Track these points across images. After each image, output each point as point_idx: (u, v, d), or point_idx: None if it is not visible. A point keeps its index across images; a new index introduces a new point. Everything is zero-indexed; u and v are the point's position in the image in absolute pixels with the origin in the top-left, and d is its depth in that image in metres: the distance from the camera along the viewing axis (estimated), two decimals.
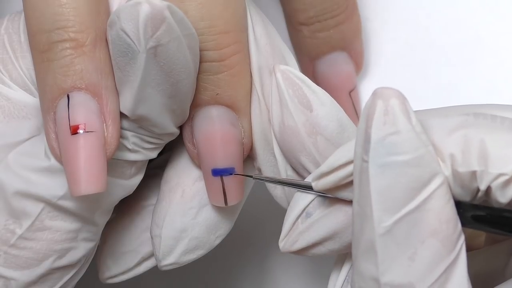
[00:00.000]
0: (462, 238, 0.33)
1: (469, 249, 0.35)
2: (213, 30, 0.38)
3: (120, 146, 0.38)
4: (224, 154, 0.39)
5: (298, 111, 0.39)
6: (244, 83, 0.39)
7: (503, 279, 0.36)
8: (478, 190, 0.33)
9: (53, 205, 0.38)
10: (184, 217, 0.40)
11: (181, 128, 0.40)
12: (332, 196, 0.36)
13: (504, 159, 0.32)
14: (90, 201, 0.38)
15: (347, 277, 0.37)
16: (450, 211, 0.33)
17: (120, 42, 0.36)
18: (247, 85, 0.39)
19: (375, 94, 0.32)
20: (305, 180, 0.38)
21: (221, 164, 0.39)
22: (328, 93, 0.40)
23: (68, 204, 0.38)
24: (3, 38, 0.40)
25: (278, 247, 0.37)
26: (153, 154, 0.39)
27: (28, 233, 0.38)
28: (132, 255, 0.42)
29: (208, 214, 0.40)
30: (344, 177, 0.35)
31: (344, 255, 0.38)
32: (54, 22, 0.36)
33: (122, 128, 0.38)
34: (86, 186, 0.36)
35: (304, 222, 0.37)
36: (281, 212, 0.38)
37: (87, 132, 0.36)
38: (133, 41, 0.35)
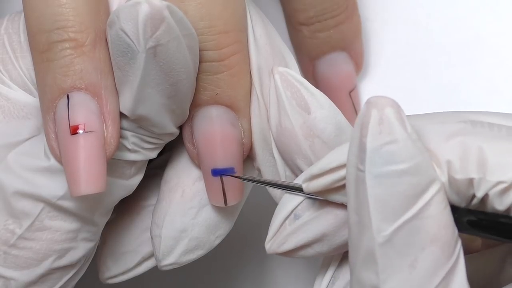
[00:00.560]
0: (459, 243, 0.33)
1: (467, 252, 0.35)
2: (212, 30, 0.38)
3: (120, 146, 0.38)
4: (223, 154, 0.39)
5: (296, 113, 0.39)
6: (244, 83, 0.39)
7: (498, 285, 0.36)
8: (473, 196, 0.33)
9: (52, 205, 0.38)
10: (184, 217, 0.40)
11: (181, 128, 0.40)
12: (322, 199, 0.36)
13: (502, 167, 0.32)
14: (89, 201, 0.38)
15: (332, 279, 0.37)
16: (447, 217, 0.33)
17: (120, 42, 0.36)
18: (247, 85, 0.39)
19: (369, 103, 0.32)
20: (294, 181, 0.38)
21: (221, 164, 0.39)
22: (328, 93, 0.40)
23: (67, 204, 0.38)
24: (3, 38, 0.40)
25: None
26: (153, 154, 0.39)
27: (28, 233, 0.38)
28: (132, 255, 0.42)
29: (208, 214, 0.40)
30: (336, 181, 0.35)
31: (330, 258, 0.37)
32: (53, 22, 0.36)
33: (121, 128, 0.38)
34: (86, 186, 0.36)
35: (292, 224, 0.36)
36: None
37: (87, 132, 0.36)
38: (132, 41, 0.35)
